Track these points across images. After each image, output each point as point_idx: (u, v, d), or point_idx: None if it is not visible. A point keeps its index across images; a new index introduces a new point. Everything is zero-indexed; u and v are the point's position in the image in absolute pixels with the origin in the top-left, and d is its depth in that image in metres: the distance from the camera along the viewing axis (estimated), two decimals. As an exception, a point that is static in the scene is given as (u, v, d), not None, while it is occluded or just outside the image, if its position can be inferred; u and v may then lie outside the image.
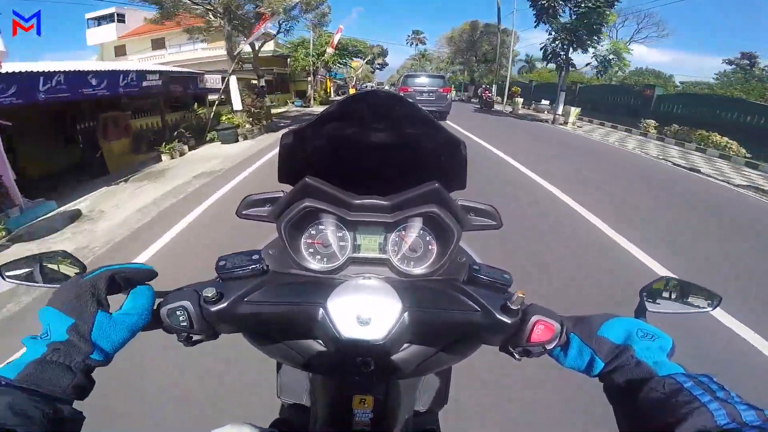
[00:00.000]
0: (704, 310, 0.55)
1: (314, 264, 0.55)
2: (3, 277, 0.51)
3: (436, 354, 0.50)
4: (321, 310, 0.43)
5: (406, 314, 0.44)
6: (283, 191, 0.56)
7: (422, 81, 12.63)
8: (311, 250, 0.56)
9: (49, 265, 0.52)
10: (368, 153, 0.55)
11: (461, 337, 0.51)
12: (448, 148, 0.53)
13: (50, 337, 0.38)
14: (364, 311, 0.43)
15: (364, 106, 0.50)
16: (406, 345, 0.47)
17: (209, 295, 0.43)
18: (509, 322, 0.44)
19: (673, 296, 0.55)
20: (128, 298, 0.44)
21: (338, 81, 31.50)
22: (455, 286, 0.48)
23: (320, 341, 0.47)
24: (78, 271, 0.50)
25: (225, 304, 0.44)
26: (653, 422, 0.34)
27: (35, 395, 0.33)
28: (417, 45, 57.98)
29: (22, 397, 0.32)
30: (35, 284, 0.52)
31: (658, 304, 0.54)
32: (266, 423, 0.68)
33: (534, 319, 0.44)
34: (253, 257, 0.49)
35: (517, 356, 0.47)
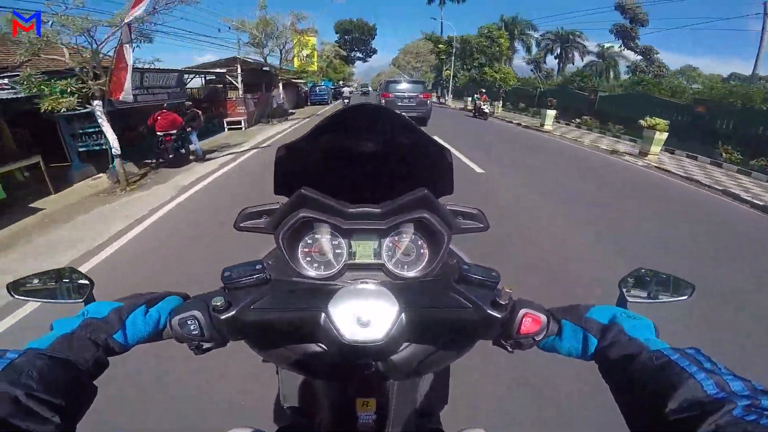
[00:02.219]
0: (680, 298, 0.58)
1: (312, 272, 0.57)
2: (12, 295, 0.53)
3: (435, 352, 0.52)
4: (323, 315, 0.45)
5: (403, 314, 0.46)
6: (279, 203, 0.58)
7: (403, 87, 13.26)
8: (308, 258, 0.58)
9: (57, 282, 0.53)
10: (360, 163, 0.57)
11: (457, 334, 0.53)
12: (434, 155, 0.56)
13: (87, 315, 0.44)
14: (364, 314, 0.44)
15: (355, 118, 0.53)
16: (405, 345, 0.49)
17: (218, 304, 0.46)
18: (499, 316, 0.47)
19: (650, 287, 0.58)
20: (161, 302, 0.50)
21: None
22: (447, 286, 0.51)
23: (322, 345, 0.48)
24: (87, 286, 0.52)
25: (233, 312, 0.46)
26: (646, 393, 0.36)
27: (62, 363, 0.37)
28: (444, 3, 35.09)
29: (51, 364, 0.36)
30: (44, 300, 0.53)
31: (637, 295, 0.57)
32: (271, 428, 0.69)
33: (522, 312, 0.47)
34: (257, 267, 0.51)
35: (509, 349, 0.50)
